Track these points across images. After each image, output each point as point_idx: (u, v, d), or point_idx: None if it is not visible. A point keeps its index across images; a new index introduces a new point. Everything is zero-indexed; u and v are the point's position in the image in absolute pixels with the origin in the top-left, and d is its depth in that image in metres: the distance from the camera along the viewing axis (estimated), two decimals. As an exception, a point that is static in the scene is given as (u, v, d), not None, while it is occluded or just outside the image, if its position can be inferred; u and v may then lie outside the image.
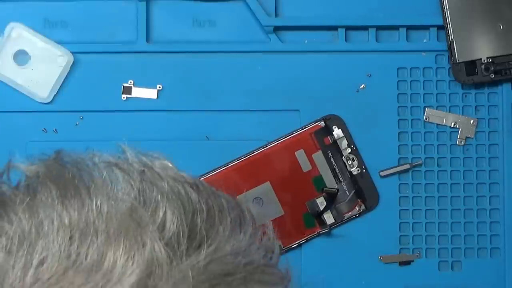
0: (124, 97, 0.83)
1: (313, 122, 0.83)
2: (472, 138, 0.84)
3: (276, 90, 0.84)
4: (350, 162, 0.83)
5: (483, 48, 0.82)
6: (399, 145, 0.84)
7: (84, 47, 0.83)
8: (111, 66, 0.83)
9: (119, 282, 0.32)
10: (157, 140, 0.83)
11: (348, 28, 0.84)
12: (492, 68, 0.82)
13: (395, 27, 0.84)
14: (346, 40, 0.84)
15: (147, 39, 0.84)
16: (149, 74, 0.84)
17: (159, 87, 0.83)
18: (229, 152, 0.83)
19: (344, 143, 0.83)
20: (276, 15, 0.85)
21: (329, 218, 0.83)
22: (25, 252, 0.33)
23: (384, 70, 0.84)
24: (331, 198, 0.82)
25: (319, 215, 0.82)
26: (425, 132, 0.84)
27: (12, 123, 0.83)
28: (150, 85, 0.84)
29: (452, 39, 0.82)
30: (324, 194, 0.82)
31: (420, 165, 0.84)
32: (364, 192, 0.83)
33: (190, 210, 0.37)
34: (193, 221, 0.37)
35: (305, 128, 0.83)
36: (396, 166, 0.83)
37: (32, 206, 0.35)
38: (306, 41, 0.85)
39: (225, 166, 0.82)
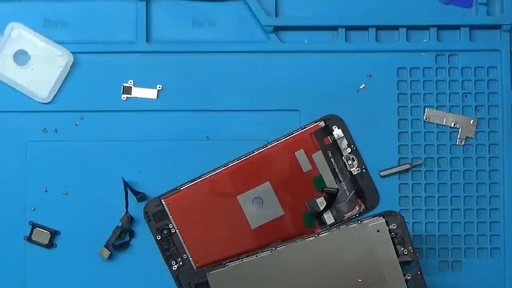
0: (124, 97, 0.83)
1: (313, 122, 0.83)
2: (472, 138, 0.84)
3: (276, 90, 0.84)
4: (350, 162, 0.83)
5: None
6: (399, 145, 0.84)
7: (84, 47, 0.83)
8: (111, 66, 0.84)
9: None
10: (157, 140, 0.83)
11: (348, 28, 0.84)
12: None
13: (395, 27, 0.84)
14: (346, 40, 0.84)
15: (147, 39, 0.84)
16: (149, 74, 0.84)
17: (159, 87, 0.84)
18: (229, 152, 0.83)
19: (344, 143, 0.83)
20: (276, 15, 0.85)
21: (329, 218, 0.83)
22: None
23: (384, 70, 0.84)
24: (331, 198, 0.82)
25: (319, 215, 0.82)
26: (425, 132, 0.84)
27: (12, 123, 0.83)
28: (150, 85, 0.84)
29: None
30: (324, 194, 0.82)
31: (420, 165, 0.84)
32: (364, 192, 0.83)
33: None
34: None
35: (305, 128, 0.83)
36: (396, 166, 0.84)
37: None
38: (306, 41, 0.85)
39: (225, 166, 0.82)
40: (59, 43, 0.83)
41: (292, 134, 0.83)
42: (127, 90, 0.84)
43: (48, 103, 0.83)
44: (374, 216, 0.77)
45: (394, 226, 0.77)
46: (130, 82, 0.84)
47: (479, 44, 0.85)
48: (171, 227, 0.82)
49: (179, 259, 0.82)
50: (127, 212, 0.82)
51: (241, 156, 0.83)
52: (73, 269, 0.83)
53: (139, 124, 0.83)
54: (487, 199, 0.84)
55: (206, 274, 0.78)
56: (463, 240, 0.84)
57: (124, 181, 0.81)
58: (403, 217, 0.77)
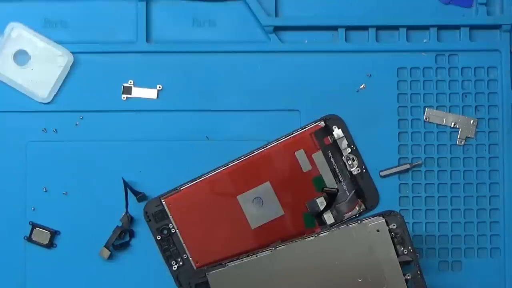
0: (124, 97, 0.83)
1: (313, 122, 0.83)
2: (472, 138, 0.84)
3: (276, 90, 0.84)
4: (350, 162, 0.83)
5: None
6: (399, 145, 0.84)
7: (84, 47, 0.83)
8: (111, 66, 0.84)
9: None
10: (157, 140, 0.83)
11: (348, 28, 0.84)
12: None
13: (395, 27, 0.84)
14: (346, 40, 0.84)
15: (147, 39, 0.84)
16: (149, 74, 0.84)
17: (159, 87, 0.84)
18: (229, 152, 0.83)
19: (344, 143, 0.83)
20: (276, 15, 0.85)
21: (329, 218, 0.83)
22: None
23: (384, 70, 0.84)
24: (331, 198, 0.82)
25: (319, 215, 0.82)
26: (425, 132, 0.84)
27: (12, 123, 0.83)
28: (150, 85, 0.84)
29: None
30: (324, 194, 0.82)
31: (420, 165, 0.84)
32: (364, 192, 0.83)
33: None
34: None
35: (305, 128, 0.83)
36: (396, 166, 0.84)
37: None
38: (306, 41, 0.85)
39: (225, 166, 0.82)
40: (59, 43, 0.83)
41: (292, 134, 0.83)
42: (127, 90, 0.84)
43: (48, 103, 0.83)
44: (374, 216, 0.77)
45: (394, 226, 0.77)
46: (130, 82, 0.84)
47: (479, 44, 0.85)
48: (171, 227, 0.82)
49: (179, 259, 0.82)
50: (127, 212, 0.82)
51: (241, 156, 0.83)
52: (73, 269, 0.83)
53: (139, 124, 0.83)
54: (487, 199, 0.84)
55: (206, 274, 0.78)
56: (463, 240, 0.84)
57: (124, 181, 0.81)
58: (403, 217, 0.77)
